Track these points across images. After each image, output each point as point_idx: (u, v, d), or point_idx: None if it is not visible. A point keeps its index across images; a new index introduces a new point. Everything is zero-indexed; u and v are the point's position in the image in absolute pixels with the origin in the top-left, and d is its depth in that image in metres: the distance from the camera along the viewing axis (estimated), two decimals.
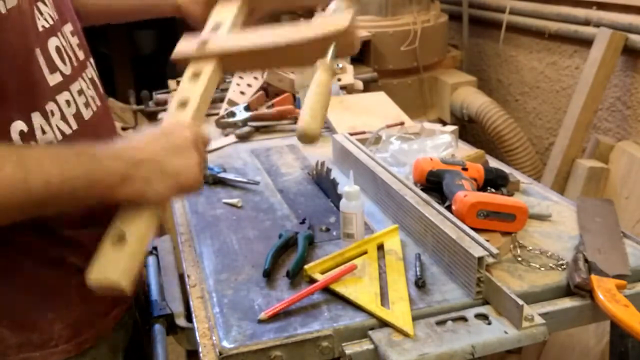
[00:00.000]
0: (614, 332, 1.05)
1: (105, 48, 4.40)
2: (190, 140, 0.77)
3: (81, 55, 0.91)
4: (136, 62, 4.37)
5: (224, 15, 1.00)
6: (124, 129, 2.76)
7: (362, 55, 2.58)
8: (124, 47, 4.30)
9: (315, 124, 0.83)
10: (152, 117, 2.08)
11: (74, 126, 0.84)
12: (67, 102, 0.84)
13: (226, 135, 1.70)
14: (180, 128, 0.79)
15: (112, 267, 0.72)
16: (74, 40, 0.90)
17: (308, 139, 0.84)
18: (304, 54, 0.92)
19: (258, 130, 1.74)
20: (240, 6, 1.01)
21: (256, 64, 1.00)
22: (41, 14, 0.83)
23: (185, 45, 0.95)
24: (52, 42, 0.84)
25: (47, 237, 0.81)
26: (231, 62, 0.95)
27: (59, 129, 0.81)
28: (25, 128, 0.76)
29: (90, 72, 0.93)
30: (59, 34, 0.86)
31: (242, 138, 1.67)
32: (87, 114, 0.88)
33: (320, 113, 0.85)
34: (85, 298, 0.85)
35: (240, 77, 2.04)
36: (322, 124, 0.85)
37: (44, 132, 0.79)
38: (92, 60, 0.95)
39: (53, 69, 0.82)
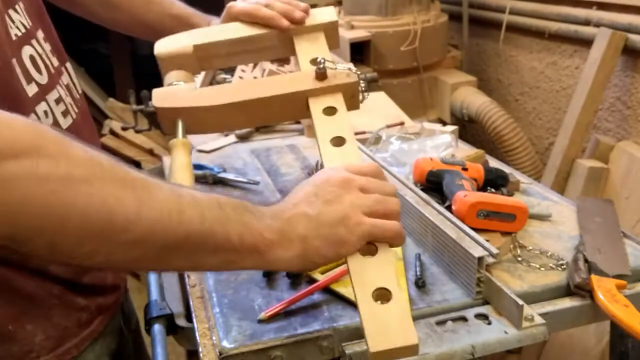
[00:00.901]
0: (614, 332, 1.05)
1: (105, 48, 4.40)
2: (339, 182, 0.69)
3: (55, 61, 0.87)
4: (136, 62, 4.37)
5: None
6: (123, 129, 2.77)
7: (362, 55, 2.59)
8: (124, 47, 4.30)
9: None
10: (152, 117, 2.08)
11: None
12: (45, 112, 0.80)
13: (226, 135, 1.70)
14: (330, 172, 0.71)
15: (393, 330, 0.62)
16: (47, 47, 0.86)
17: None
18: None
19: (258, 130, 1.74)
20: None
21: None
22: (13, 22, 0.78)
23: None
24: (26, 51, 0.79)
25: None
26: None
27: None
28: None
29: (66, 77, 0.89)
30: (32, 41, 0.82)
31: (242, 138, 1.67)
32: (65, 123, 0.84)
33: None
34: (66, 308, 0.83)
35: (240, 77, 2.04)
36: None
37: None
38: (68, 64, 0.91)
39: (29, 79, 0.78)
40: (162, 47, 0.98)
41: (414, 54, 2.61)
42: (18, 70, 0.76)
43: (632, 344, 1.00)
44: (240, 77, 2.05)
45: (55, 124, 0.82)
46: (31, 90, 0.78)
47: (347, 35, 2.51)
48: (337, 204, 0.67)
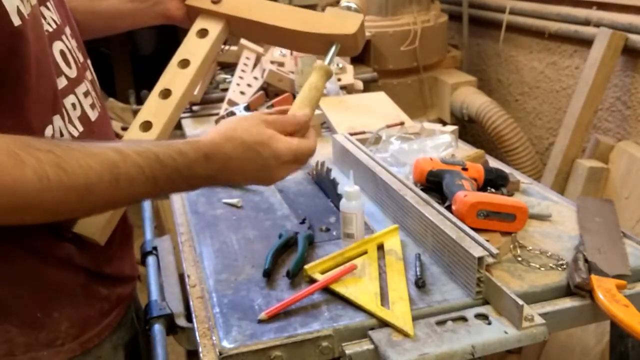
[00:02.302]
0: (614, 332, 1.05)
1: (105, 47, 4.40)
2: (279, 163, 0.82)
3: (81, 57, 0.92)
4: (136, 62, 4.37)
5: None
6: (123, 129, 2.76)
7: (362, 55, 2.59)
8: (124, 47, 4.30)
9: None
10: None
11: (80, 128, 0.85)
12: (73, 105, 0.85)
13: None
14: (269, 147, 0.81)
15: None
16: (74, 43, 0.91)
17: None
18: (307, 43, 0.95)
19: None
20: None
21: (260, 36, 1.03)
22: (44, 18, 0.83)
23: None
24: (57, 46, 0.85)
25: (54, 237, 0.82)
26: (238, 27, 0.97)
27: (69, 132, 0.82)
28: (51, 132, 0.79)
29: (90, 74, 0.94)
30: (62, 37, 0.87)
31: None
32: (93, 115, 0.89)
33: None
34: (90, 297, 0.87)
35: (240, 77, 2.04)
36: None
37: (62, 134, 0.81)
38: (89, 61, 0.96)
39: (59, 73, 0.83)
40: None
41: (414, 54, 2.61)
42: (51, 64, 0.81)
43: (632, 344, 1.00)
44: (241, 77, 2.05)
45: (84, 115, 0.87)
46: (60, 83, 0.83)
47: None
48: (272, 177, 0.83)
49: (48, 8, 0.85)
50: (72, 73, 0.86)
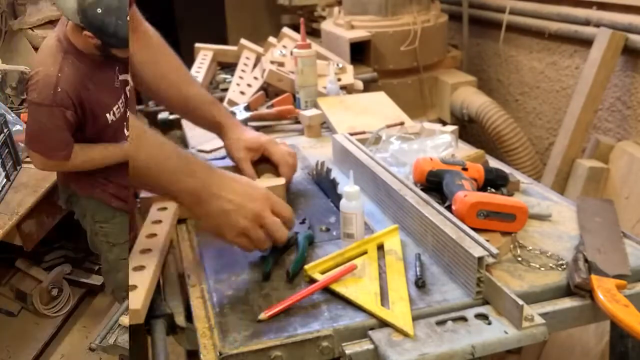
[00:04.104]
0: (614, 332, 1.05)
1: None
2: (257, 212, 0.96)
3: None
4: None
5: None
6: None
7: (362, 55, 2.59)
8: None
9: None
10: (152, 117, 2.08)
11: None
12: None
13: None
14: (261, 198, 0.98)
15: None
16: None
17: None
18: None
19: (258, 130, 1.74)
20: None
21: None
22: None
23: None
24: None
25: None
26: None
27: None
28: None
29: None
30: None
31: None
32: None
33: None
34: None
35: (240, 77, 2.04)
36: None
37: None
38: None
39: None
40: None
41: (414, 54, 2.61)
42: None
43: (632, 344, 1.01)
44: (241, 77, 2.05)
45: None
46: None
47: (347, 35, 2.51)
48: (241, 220, 0.96)
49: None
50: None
